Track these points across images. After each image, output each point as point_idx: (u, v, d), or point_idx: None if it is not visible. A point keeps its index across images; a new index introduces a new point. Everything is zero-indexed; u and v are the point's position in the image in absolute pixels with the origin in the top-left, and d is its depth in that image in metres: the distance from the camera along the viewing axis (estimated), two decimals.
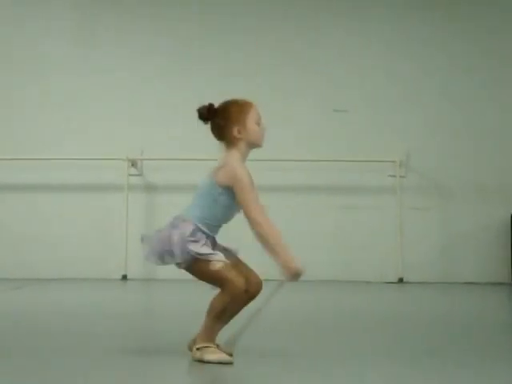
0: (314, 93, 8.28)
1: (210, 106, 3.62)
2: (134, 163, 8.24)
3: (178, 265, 3.41)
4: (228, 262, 3.36)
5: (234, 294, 3.30)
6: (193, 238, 3.36)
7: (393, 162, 8.13)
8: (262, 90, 7.82)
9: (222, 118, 3.54)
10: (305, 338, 4.17)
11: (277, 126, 8.30)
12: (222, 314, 3.34)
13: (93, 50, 8.46)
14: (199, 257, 3.34)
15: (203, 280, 3.41)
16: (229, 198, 3.39)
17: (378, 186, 8.19)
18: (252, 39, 8.37)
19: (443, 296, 7.03)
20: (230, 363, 3.30)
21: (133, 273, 8.04)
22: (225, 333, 3.42)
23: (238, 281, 3.31)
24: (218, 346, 3.41)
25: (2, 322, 4.86)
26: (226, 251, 3.46)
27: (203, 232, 3.40)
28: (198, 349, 3.36)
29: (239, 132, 3.49)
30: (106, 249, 8.17)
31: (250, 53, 8.39)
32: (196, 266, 3.37)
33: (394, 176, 8.14)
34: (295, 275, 3.24)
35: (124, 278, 8.01)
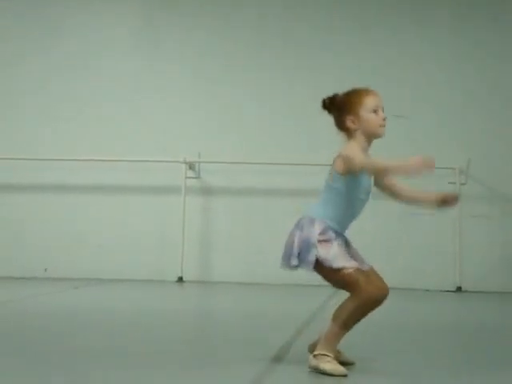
0: None
1: (333, 96, 3.44)
2: (191, 166, 8.26)
3: (308, 268, 3.27)
4: (358, 266, 3.26)
5: (365, 300, 3.19)
6: (323, 237, 3.25)
7: (453, 168, 8.00)
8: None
9: (336, 109, 3.41)
10: (356, 346, 4.11)
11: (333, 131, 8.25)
12: (349, 320, 3.22)
13: (151, 51, 8.52)
14: (328, 263, 3.22)
15: (332, 282, 3.31)
16: (348, 186, 3.31)
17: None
18: (319, 42, 8.33)
19: (502, 306, 6.88)
20: (344, 375, 3.17)
21: (189, 275, 8.06)
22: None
23: (370, 287, 3.20)
24: (339, 352, 3.34)
25: (58, 320, 4.90)
26: (358, 256, 3.36)
27: (333, 229, 3.29)
28: (315, 356, 3.24)
29: (353, 122, 3.37)
30: (162, 251, 8.21)
31: (315, 54, 8.35)
32: (325, 269, 3.26)
33: (454, 183, 8.00)
34: (419, 167, 3.16)
35: (180, 279, 8.03)
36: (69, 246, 8.25)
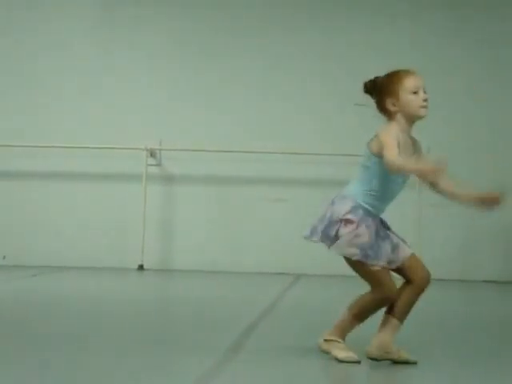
0: (334, 86, 8.18)
1: (374, 79, 3.41)
2: (152, 153, 8.22)
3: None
4: (384, 265, 3.28)
5: (385, 297, 3.26)
6: (350, 216, 3.21)
7: None
8: (282, 79, 7.79)
9: (376, 92, 3.38)
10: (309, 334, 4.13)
11: (294, 119, 8.27)
12: (365, 313, 3.28)
13: (112, 40, 8.43)
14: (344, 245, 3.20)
15: (355, 270, 3.29)
16: (383, 168, 3.22)
17: None
18: (282, 34, 8.33)
19: (460, 294, 6.97)
20: (357, 362, 3.21)
21: (149, 263, 8.02)
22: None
23: (392, 286, 3.29)
24: (399, 350, 3.31)
25: (16, 308, 4.86)
26: (393, 240, 3.34)
27: (366, 210, 3.25)
28: (326, 340, 3.27)
29: (394, 104, 3.33)
30: (123, 238, 8.16)
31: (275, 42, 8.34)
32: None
33: None
34: (433, 172, 3.23)
35: (140, 267, 7.99)
36: (28, 233, 8.16)
